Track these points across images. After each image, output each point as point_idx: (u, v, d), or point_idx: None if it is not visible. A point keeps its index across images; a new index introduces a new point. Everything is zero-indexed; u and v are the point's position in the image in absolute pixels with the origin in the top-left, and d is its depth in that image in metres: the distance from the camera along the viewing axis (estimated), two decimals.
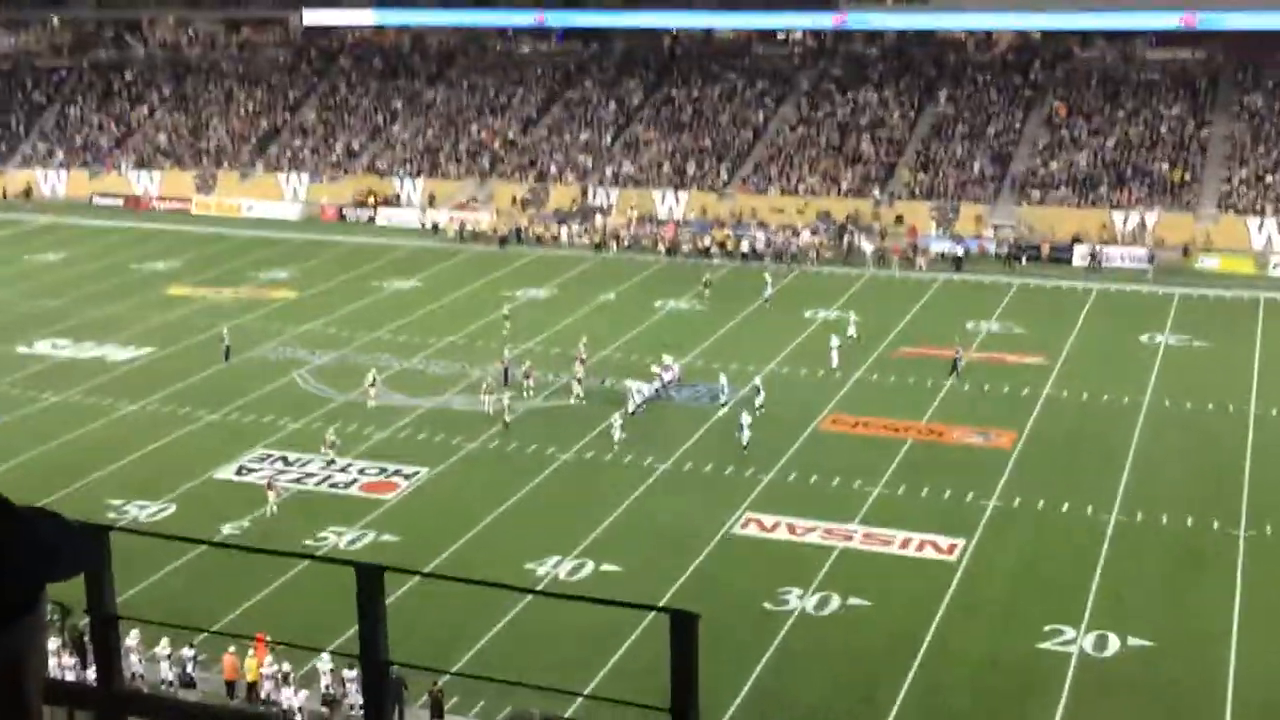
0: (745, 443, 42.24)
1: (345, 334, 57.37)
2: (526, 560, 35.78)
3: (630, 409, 45.91)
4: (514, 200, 79.19)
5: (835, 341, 51.99)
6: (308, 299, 63.61)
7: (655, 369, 48.50)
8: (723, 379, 47.50)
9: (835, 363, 51.08)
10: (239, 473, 42.31)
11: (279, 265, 70.20)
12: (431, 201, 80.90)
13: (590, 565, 35.60)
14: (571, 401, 47.26)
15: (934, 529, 37.37)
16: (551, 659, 30.89)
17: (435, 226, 76.76)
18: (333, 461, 42.32)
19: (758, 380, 47.88)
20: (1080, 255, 68.20)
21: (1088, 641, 31.16)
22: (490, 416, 46.06)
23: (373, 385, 48.65)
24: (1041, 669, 30.25)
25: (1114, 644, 31.05)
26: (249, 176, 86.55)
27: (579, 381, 47.83)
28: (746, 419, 42.92)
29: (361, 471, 42.25)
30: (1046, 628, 31.82)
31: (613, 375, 50.29)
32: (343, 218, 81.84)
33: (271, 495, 38.96)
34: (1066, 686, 29.56)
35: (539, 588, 34.24)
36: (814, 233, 71.66)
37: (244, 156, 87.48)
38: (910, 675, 30.01)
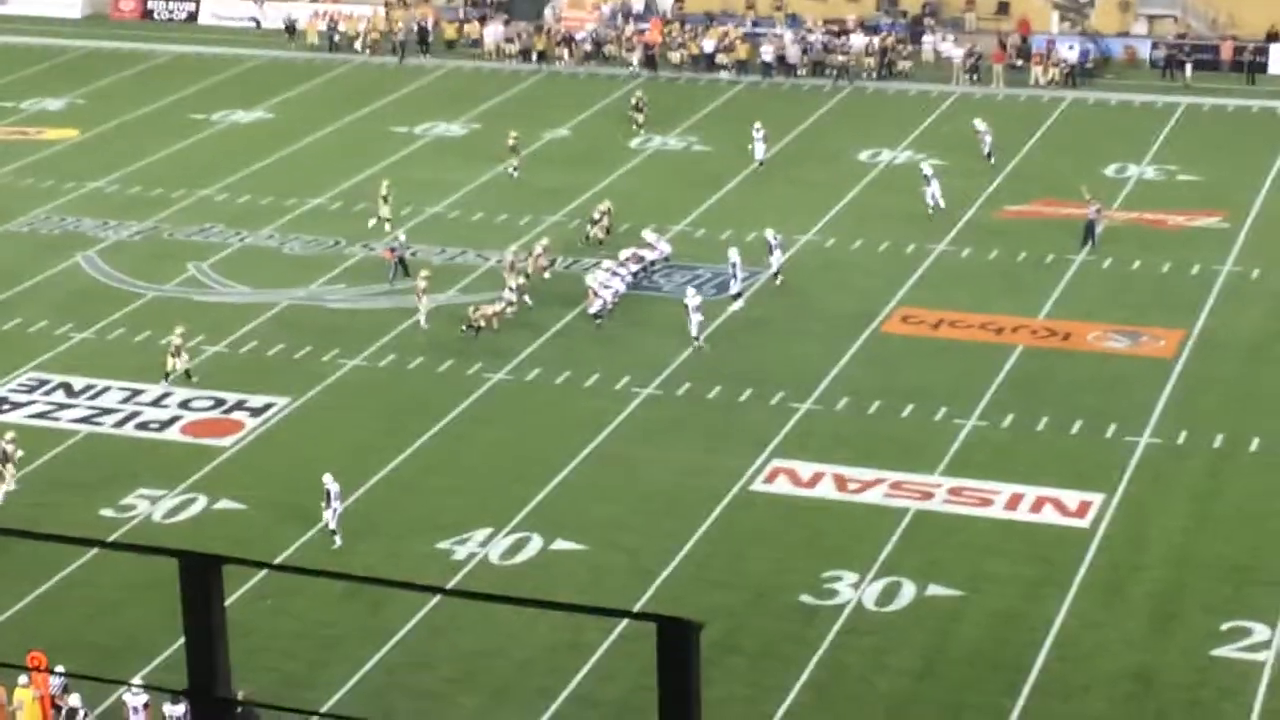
0: (697, 333, 43.83)
1: (155, 194, 57.07)
2: (438, 537, 35.96)
3: (593, 311, 45.92)
4: None
5: (928, 170, 53.83)
6: (95, 141, 63.16)
7: (624, 254, 48.31)
8: (733, 256, 47.48)
9: (933, 200, 52.80)
10: None
11: (50, 90, 69.59)
12: None
13: (537, 542, 35.79)
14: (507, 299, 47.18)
15: (1057, 480, 37.74)
16: (476, 688, 31.06)
17: (291, 28, 76.20)
18: (171, 376, 42.48)
19: (771, 234, 48.50)
20: None
21: None
22: (424, 328, 45.73)
23: (385, 201, 52.38)
24: (1218, 686, 30.82)
25: None
26: None
27: (516, 280, 47.36)
28: (694, 297, 44.25)
29: (185, 405, 42.26)
30: (1225, 625, 32.40)
31: (566, 255, 50.23)
32: (148, 14, 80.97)
33: (2, 467, 37.95)
34: (1257, 712, 30.03)
35: (456, 581, 34.39)
36: (872, 31, 71.40)
37: None
38: (1021, 701, 30.54)
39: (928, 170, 53.92)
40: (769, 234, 48.70)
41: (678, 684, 5.25)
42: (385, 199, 52.68)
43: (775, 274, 48.13)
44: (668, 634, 5.20)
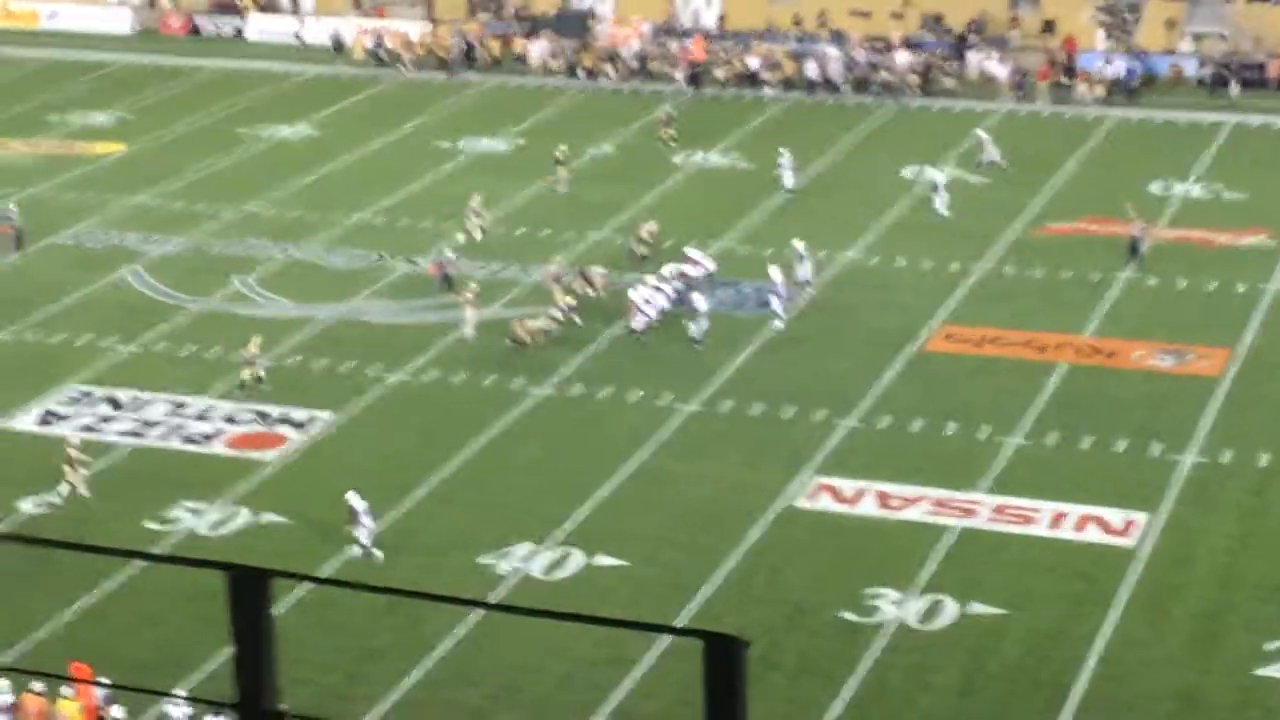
0: (699, 335, 44.90)
1: (200, 208, 57.30)
2: (481, 551, 35.96)
3: (635, 327, 45.89)
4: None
5: (940, 178, 55.25)
6: (143, 156, 63.41)
7: (668, 270, 48.31)
8: (775, 275, 47.43)
9: (941, 206, 54.15)
10: (43, 421, 42.38)
11: (99, 105, 69.98)
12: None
13: (579, 558, 35.79)
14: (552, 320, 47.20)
15: (1101, 499, 37.59)
16: (516, 703, 31.05)
17: (338, 44, 76.47)
18: (246, 385, 42.97)
19: (800, 245, 48.83)
20: None
21: None
22: (470, 340, 45.85)
23: (478, 214, 53.07)
24: (1263, 706, 30.68)
25: None
26: None
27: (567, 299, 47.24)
28: (702, 302, 45.34)
29: (229, 419, 42.39)
30: (1270, 645, 32.23)
31: (610, 271, 50.23)
32: (196, 31, 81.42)
33: (72, 473, 38.40)
34: None
35: (498, 596, 34.38)
36: (916, 48, 71.31)
37: None
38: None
39: (938, 179, 54.64)
40: (798, 246, 48.58)
41: (725, 701, 5.20)
42: (478, 212, 53.07)
43: (801, 284, 48.14)
44: (715, 650, 5.14)
